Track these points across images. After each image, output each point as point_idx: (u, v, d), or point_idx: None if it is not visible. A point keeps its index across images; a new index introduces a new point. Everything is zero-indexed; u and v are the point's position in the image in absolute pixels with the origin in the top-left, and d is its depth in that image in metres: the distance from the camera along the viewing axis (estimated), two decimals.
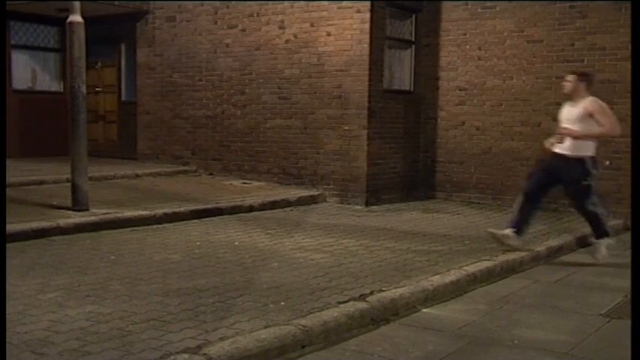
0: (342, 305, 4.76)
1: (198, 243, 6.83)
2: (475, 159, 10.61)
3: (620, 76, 9.33)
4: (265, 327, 4.22)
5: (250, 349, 3.89)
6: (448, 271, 5.93)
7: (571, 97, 6.84)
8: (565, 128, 6.73)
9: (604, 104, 6.78)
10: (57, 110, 12.30)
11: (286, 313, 4.55)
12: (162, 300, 4.77)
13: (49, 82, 13.04)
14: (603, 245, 7.02)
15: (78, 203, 7.64)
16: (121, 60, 12.99)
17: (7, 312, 4.16)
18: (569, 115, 6.78)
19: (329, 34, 10.22)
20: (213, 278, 5.42)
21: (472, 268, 6.11)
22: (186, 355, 3.72)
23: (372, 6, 9.86)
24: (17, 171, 9.67)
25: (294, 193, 9.95)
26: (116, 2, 11.55)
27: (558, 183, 6.95)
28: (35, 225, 6.82)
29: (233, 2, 11.15)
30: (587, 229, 8.50)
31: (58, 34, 12.84)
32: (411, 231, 7.94)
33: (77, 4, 7.53)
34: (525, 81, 10.13)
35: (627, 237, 7.57)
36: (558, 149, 6.82)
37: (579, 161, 6.72)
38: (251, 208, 8.91)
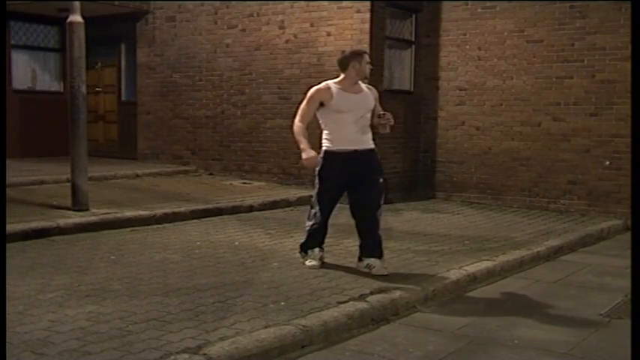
0: (342, 305, 4.76)
1: (198, 243, 6.83)
2: (475, 159, 10.61)
3: (620, 76, 9.34)
4: (265, 327, 4.21)
5: (250, 349, 3.89)
6: (448, 271, 5.93)
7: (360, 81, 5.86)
8: (387, 114, 5.72)
9: None
10: (57, 110, 12.29)
11: (286, 313, 4.55)
12: (162, 300, 4.77)
13: (49, 82, 13.04)
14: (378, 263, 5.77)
15: (78, 203, 7.64)
16: (121, 60, 13.00)
17: (7, 312, 4.16)
18: (367, 102, 5.78)
19: (329, 34, 10.22)
20: (213, 278, 5.42)
21: (472, 268, 6.11)
22: (186, 355, 3.72)
23: (372, 6, 9.87)
24: (17, 171, 9.66)
25: (294, 193, 9.94)
26: (116, 2, 11.55)
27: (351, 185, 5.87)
28: (35, 225, 6.82)
29: (233, 2, 11.15)
30: (589, 228, 8.55)
31: (58, 34, 12.84)
32: (411, 231, 7.94)
33: (77, 4, 7.53)
34: (525, 81, 10.13)
35: (627, 237, 7.60)
36: (359, 144, 5.71)
37: (375, 153, 5.87)
38: (251, 208, 8.91)
